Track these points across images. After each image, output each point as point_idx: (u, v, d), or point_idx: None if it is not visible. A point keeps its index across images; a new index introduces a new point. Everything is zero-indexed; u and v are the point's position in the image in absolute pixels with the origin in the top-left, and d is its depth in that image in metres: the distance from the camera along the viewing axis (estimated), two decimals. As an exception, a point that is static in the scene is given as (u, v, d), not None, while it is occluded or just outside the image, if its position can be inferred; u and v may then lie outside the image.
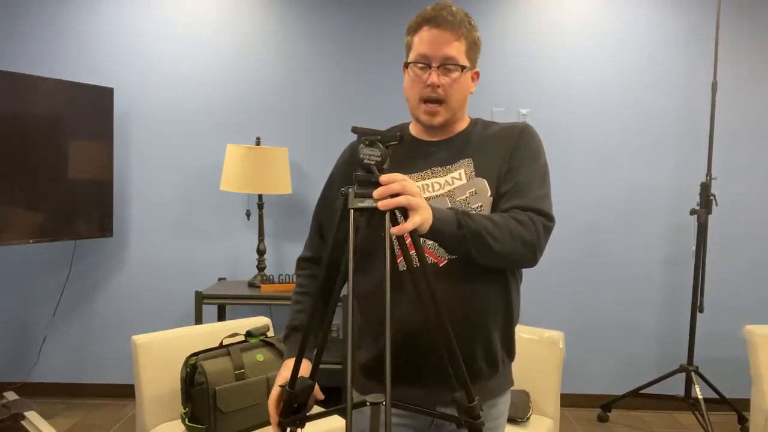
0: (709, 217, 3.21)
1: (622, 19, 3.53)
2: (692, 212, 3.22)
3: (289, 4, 3.56)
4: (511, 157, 1.33)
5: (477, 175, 1.32)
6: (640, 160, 3.56)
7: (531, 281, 3.48)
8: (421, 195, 1.14)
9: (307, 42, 3.57)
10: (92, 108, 3.31)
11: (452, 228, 1.18)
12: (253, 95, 3.58)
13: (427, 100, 1.32)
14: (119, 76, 3.53)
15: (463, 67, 1.31)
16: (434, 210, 1.16)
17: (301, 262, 1.48)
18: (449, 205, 1.30)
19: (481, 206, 1.30)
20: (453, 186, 1.32)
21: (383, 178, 1.09)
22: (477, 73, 1.38)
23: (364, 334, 1.39)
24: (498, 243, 1.21)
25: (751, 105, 3.55)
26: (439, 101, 1.32)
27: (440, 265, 1.28)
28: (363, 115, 3.53)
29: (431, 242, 1.25)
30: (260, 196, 3.37)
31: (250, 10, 3.55)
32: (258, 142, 3.40)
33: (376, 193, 1.07)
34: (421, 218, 1.09)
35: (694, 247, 3.27)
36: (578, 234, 3.57)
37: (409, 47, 1.36)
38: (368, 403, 1.13)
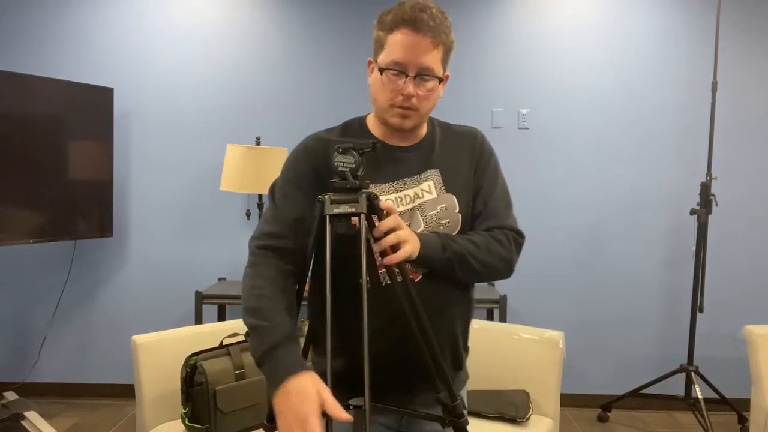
0: (709, 217, 3.21)
1: (622, 19, 3.53)
2: (692, 212, 3.21)
3: (290, 5, 3.56)
4: (475, 174, 1.36)
5: (447, 191, 1.33)
6: (640, 160, 3.56)
7: (531, 281, 3.52)
8: (407, 227, 1.21)
9: (307, 42, 3.57)
10: (92, 108, 3.31)
11: (438, 252, 1.26)
12: (253, 95, 3.58)
13: (399, 107, 1.26)
14: (119, 76, 3.53)
15: (440, 80, 1.26)
16: (420, 237, 1.23)
17: (261, 255, 1.29)
18: (421, 219, 1.31)
19: (449, 222, 1.32)
20: (423, 199, 1.32)
21: (380, 227, 1.16)
22: (447, 76, 1.32)
23: (339, 343, 1.23)
24: (480, 264, 1.29)
25: (751, 105, 3.55)
26: (411, 109, 1.27)
27: (415, 281, 1.29)
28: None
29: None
30: (260, 196, 3.37)
31: (250, 10, 3.55)
32: (258, 142, 3.40)
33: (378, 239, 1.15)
34: (412, 248, 1.19)
35: (694, 247, 3.27)
36: (578, 234, 3.56)
37: (380, 43, 1.26)
38: (351, 407, 1.14)
